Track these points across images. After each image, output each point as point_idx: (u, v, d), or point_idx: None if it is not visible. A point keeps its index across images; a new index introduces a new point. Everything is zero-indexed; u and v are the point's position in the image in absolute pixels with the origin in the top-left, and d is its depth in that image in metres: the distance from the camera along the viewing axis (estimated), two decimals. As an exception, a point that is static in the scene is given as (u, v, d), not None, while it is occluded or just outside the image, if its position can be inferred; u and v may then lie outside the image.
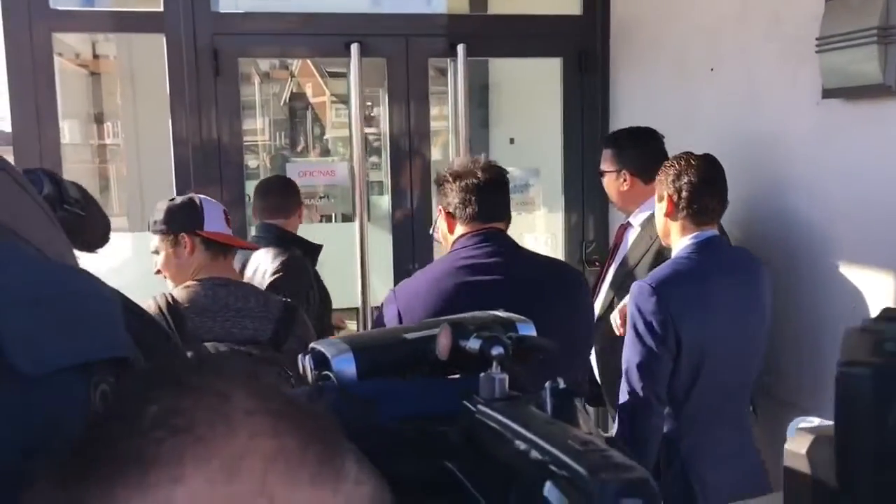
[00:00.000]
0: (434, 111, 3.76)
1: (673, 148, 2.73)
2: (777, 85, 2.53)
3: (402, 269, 3.48)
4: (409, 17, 3.74)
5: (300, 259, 2.92)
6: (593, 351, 2.82)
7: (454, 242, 2.11)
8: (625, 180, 2.74)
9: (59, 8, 3.14)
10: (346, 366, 0.65)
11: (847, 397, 0.58)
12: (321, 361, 0.68)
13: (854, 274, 2.28)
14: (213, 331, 2.10)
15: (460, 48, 3.39)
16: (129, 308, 0.55)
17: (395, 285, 2.39)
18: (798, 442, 0.64)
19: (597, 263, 3.63)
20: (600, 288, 2.84)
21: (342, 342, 0.68)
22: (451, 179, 2.10)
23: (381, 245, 3.63)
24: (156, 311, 2.06)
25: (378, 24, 3.55)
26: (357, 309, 3.52)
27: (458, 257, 2.05)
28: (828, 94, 2.27)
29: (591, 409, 3.43)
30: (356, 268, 3.47)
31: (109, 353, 0.49)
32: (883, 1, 2.01)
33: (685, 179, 2.28)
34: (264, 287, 2.78)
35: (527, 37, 3.59)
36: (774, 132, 2.55)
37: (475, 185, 2.06)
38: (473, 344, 0.60)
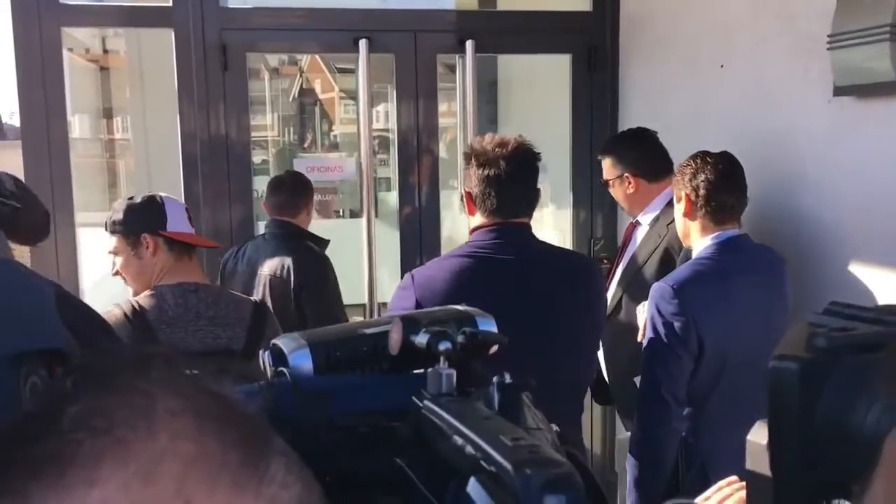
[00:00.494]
0: (442, 107, 3.75)
1: (682, 145, 2.72)
2: (788, 82, 2.51)
3: (409, 266, 3.44)
4: (418, 12, 3.74)
5: (315, 250, 2.98)
6: (602, 351, 2.81)
7: (472, 232, 2.07)
8: (629, 183, 2.73)
9: (69, 3, 3.15)
10: (302, 361, 0.67)
11: (776, 392, 0.58)
12: (279, 357, 0.69)
13: (865, 272, 2.26)
14: (187, 341, 2.01)
15: (469, 44, 3.38)
16: (66, 300, 0.56)
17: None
18: (759, 433, 0.65)
19: (605, 261, 3.61)
20: (609, 286, 2.83)
21: (301, 337, 0.69)
22: (474, 164, 2.01)
23: (389, 241, 3.63)
24: (121, 320, 1.98)
25: (386, 20, 3.55)
26: (364, 305, 3.52)
27: (474, 247, 2.01)
28: (839, 91, 2.25)
29: (599, 408, 3.42)
30: (363, 264, 3.46)
31: (40, 345, 0.49)
32: (896, -3, 1.99)
33: (702, 177, 2.26)
34: (291, 285, 2.84)
35: (536, 33, 3.58)
36: (785, 130, 2.53)
37: (496, 177, 1.97)
38: (422, 339, 0.62)
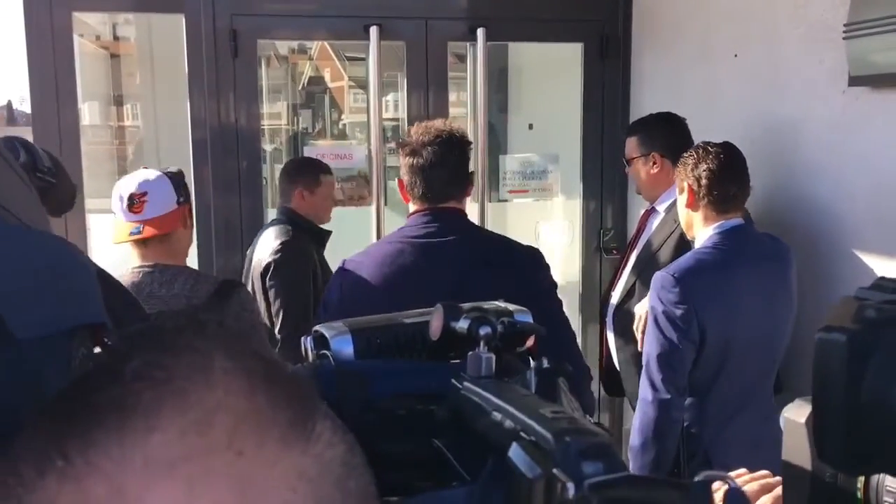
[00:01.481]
0: (452, 96, 3.74)
1: (695, 134, 2.70)
2: (802, 71, 2.49)
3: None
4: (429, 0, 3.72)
5: (299, 240, 2.95)
6: (612, 339, 2.80)
7: (408, 218, 2.08)
8: (654, 163, 2.73)
9: (80, -12, 3.15)
10: (343, 346, 0.69)
11: (823, 363, 0.58)
12: (321, 342, 0.71)
13: (877, 262, 2.25)
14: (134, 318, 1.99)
15: (480, 32, 3.37)
16: (103, 277, 0.58)
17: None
18: (797, 411, 0.65)
19: (615, 251, 3.60)
20: (622, 274, 2.83)
21: (343, 324, 0.71)
22: (402, 153, 2.06)
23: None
24: None
25: (397, 7, 3.53)
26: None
27: (404, 235, 2.02)
28: (854, 81, 2.23)
29: (607, 398, 3.41)
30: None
31: (89, 320, 0.52)
32: (914, -14, 1.97)
33: (703, 167, 2.25)
34: (262, 265, 2.86)
35: (548, 21, 3.56)
36: (799, 119, 2.52)
37: (420, 166, 2.00)
38: (462, 324, 0.63)
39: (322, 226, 3.14)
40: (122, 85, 6.86)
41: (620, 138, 3.57)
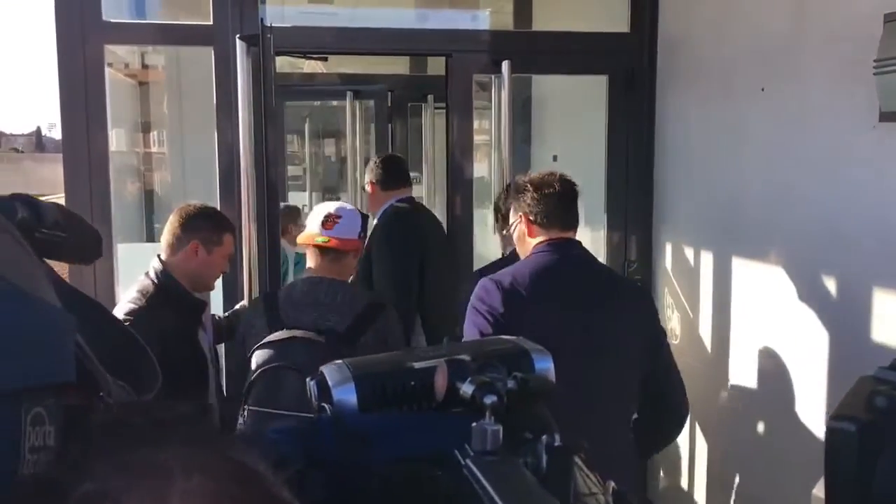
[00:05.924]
0: (475, 125, 3.75)
1: (720, 168, 2.68)
2: (831, 106, 2.46)
3: (441, 285, 3.47)
4: (454, 33, 3.74)
5: (155, 311, 2.47)
6: None
7: (535, 247, 2.34)
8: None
9: (112, 20, 3.20)
10: (347, 395, 0.65)
11: (833, 453, 0.55)
12: (324, 389, 0.67)
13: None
14: (301, 321, 2.40)
15: (505, 65, 3.38)
16: (108, 320, 0.55)
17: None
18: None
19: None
20: None
21: (347, 368, 0.68)
22: (531, 189, 2.35)
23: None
24: (260, 301, 2.57)
25: (422, 41, 3.56)
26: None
27: (543, 260, 2.30)
28: (885, 117, 2.21)
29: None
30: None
31: (42, 380, 0.48)
32: (946, 23, 1.95)
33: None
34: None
35: (573, 54, 3.56)
36: (828, 156, 2.49)
37: (554, 196, 2.33)
38: (467, 389, 0.59)
39: (198, 295, 2.66)
40: (149, 112, 6.96)
41: (645, 171, 3.57)
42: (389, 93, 5.51)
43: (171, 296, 2.52)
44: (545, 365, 0.66)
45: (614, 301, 2.32)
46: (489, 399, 0.56)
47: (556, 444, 0.54)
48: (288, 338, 2.35)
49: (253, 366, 2.37)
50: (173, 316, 2.47)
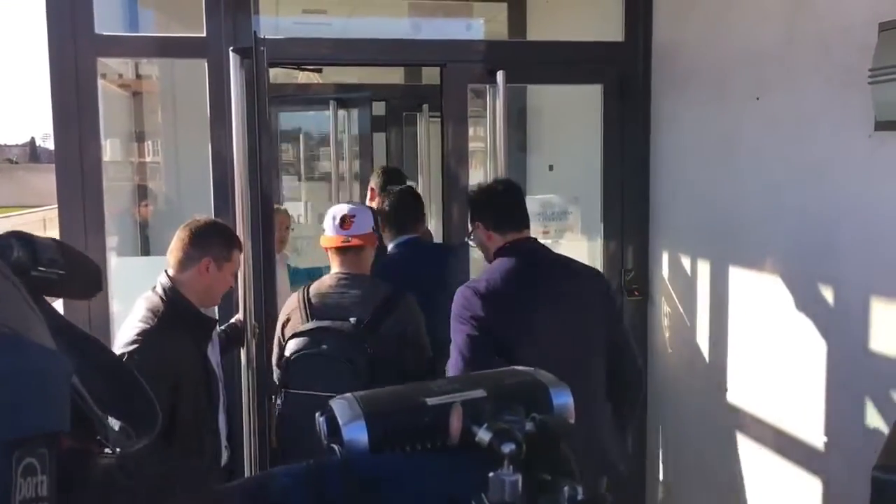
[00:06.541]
0: (470, 133, 3.74)
1: (717, 177, 2.68)
2: (826, 116, 2.46)
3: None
4: (448, 43, 3.74)
5: (165, 331, 2.38)
6: None
7: (497, 251, 2.48)
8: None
9: (105, 34, 3.18)
10: (357, 434, 0.62)
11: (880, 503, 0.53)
12: (334, 427, 0.64)
13: (908, 312, 2.20)
14: (330, 313, 2.71)
15: (500, 75, 3.37)
16: (105, 358, 0.54)
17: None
18: None
19: (636, 293, 3.57)
20: None
21: (358, 404, 0.64)
22: (480, 197, 2.56)
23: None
24: (299, 299, 2.79)
25: (417, 51, 3.55)
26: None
27: (508, 262, 2.43)
28: (880, 126, 2.20)
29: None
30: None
31: (35, 430, 0.47)
32: (940, 32, 1.94)
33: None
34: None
35: (567, 63, 3.56)
36: (823, 164, 2.48)
37: (501, 200, 2.52)
38: (484, 436, 0.56)
39: (205, 311, 2.58)
40: (143, 122, 6.94)
41: (641, 179, 3.56)
42: (384, 102, 5.48)
43: (181, 314, 2.43)
44: (564, 400, 0.63)
45: (578, 286, 2.50)
46: (507, 448, 0.54)
47: (579, 497, 0.52)
48: (319, 327, 2.68)
49: (287, 353, 2.70)
50: (185, 336, 2.42)
